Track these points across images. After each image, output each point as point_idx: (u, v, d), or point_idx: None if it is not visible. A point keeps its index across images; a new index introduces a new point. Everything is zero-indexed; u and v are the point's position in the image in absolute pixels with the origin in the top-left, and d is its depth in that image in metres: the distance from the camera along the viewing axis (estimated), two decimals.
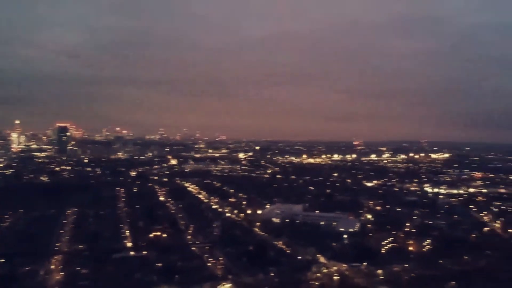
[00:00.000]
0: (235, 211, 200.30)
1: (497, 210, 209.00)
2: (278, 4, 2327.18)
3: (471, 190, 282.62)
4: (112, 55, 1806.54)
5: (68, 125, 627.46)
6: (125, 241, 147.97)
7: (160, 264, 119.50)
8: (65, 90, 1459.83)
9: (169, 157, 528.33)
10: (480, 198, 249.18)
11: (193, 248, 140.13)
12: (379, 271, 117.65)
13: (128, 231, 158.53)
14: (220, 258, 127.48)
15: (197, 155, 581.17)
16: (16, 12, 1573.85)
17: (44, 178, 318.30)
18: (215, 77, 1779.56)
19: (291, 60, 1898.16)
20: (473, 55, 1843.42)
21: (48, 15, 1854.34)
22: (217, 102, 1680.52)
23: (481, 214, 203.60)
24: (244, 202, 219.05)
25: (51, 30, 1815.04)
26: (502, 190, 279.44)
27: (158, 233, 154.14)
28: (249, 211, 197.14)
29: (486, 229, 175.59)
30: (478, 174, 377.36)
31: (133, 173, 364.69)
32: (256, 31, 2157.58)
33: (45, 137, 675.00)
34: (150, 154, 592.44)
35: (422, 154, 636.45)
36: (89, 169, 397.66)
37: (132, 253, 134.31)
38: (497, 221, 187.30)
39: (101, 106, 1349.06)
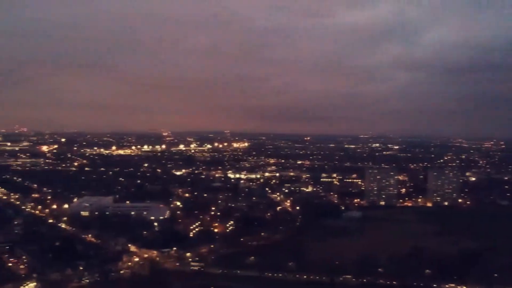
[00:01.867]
0: (39, 207, 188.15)
1: (287, 191, 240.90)
2: None
3: (267, 174, 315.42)
4: None
5: None
6: None
7: None
8: None
9: None
10: (274, 181, 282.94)
11: None
12: (188, 254, 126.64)
13: None
14: (23, 257, 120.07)
15: None
16: None
17: None
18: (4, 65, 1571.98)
19: (87, 50, 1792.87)
20: (263, 54, 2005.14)
21: None
22: (12, 92, 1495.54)
23: (275, 195, 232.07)
24: (49, 197, 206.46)
25: None
26: (291, 173, 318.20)
27: None
28: (54, 206, 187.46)
29: (279, 208, 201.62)
30: (272, 160, 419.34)
31: None
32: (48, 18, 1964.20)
33: None
34: None
35: (225, 144, 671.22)
36: None
37: None
38: (287, 200, 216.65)
39: None
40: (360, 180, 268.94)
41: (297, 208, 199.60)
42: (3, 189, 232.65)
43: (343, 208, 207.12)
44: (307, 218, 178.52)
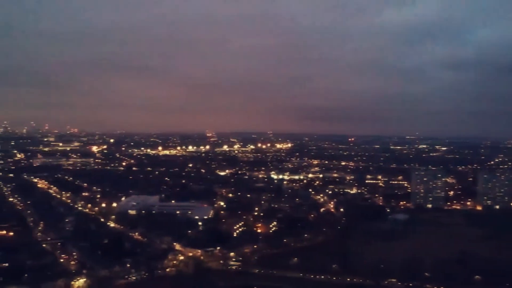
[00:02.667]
0: (89, 205, 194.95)
1: (331, 192, 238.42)
2: None
3: (310, 175, 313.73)
4: None
5: None
6: None
7: (6, 264, 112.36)
8: None
9: (15, 151, 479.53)
10: (317, 182, 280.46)
11: (44, 245, 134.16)
12: (232, 254, 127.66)
13: None
14: (73, 254, 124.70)
15: (47, 149, 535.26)
16: None
17: None
18: (58, 67, 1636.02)
19: (134, 52, 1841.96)
20: (308, 54, 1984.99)
21: None
22: (65, 94, 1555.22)
23: (318, 196, 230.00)
24: (98, 196, 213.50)
25: None
26: (335, 175, 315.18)
27: (4, 232, 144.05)
28: (103, 205, 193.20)
29: (322, 209, 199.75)
30: (316, 161, 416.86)
31: None
32: (98, 21, 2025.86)
33: None
34: None
35: (268, 144, 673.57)
36: None
37: None
38: (331, 202, 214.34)
39: None
40: (406, 182, 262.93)
41: (341, 210, 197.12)
42: (55, 188, 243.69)
43: (388, 210, 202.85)
44: (351, 220, 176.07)
